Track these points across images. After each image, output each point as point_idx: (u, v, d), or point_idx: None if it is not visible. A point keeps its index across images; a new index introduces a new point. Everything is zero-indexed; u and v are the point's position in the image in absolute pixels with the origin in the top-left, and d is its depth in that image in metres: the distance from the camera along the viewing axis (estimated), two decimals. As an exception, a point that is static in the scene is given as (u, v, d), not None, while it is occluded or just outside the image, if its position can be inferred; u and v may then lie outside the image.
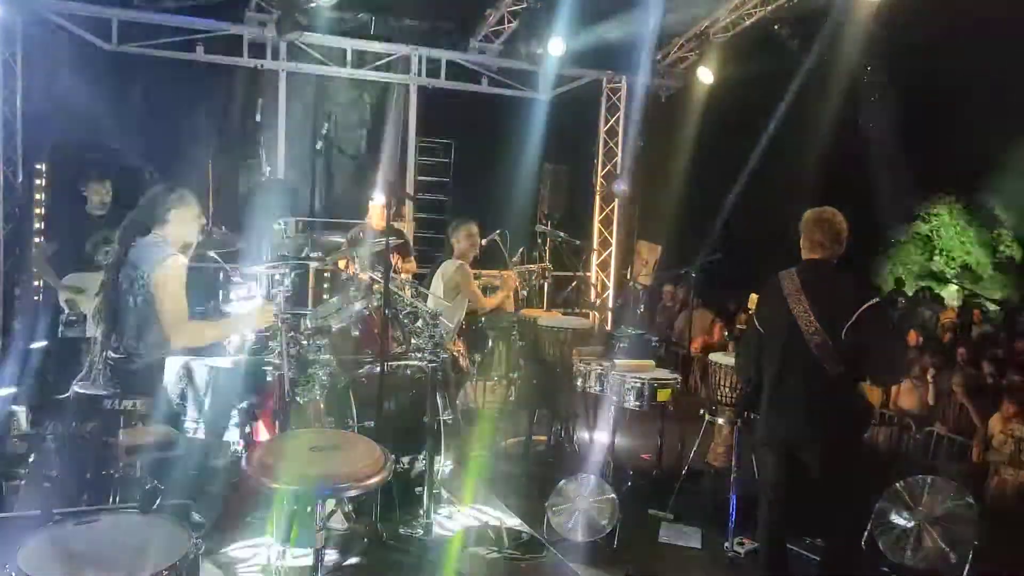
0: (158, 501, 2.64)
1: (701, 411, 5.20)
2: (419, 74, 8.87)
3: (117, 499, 2.94)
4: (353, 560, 3.81)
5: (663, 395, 5.01)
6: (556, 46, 8.11)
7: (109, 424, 3.58)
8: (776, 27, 7.79)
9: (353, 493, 2.43)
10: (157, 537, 2.40)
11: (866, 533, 4.21)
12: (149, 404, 3.61)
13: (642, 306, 8.39)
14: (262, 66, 8.10)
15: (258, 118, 8.08)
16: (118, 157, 6.95)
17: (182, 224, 3.98)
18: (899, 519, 4.29)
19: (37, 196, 7.03)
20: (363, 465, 2.49)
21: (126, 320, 3.83)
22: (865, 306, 3.45)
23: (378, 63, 8.66)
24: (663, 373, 5.19)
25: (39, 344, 6.27)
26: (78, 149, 7.36)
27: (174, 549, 2.31)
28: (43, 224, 6.97)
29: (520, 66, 8.84)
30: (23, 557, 2.21)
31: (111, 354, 3.92)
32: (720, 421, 5.09)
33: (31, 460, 4.69)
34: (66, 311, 5.61)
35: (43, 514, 3.75)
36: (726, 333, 7.08)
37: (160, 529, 2.46)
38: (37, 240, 6.93)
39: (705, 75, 8.73)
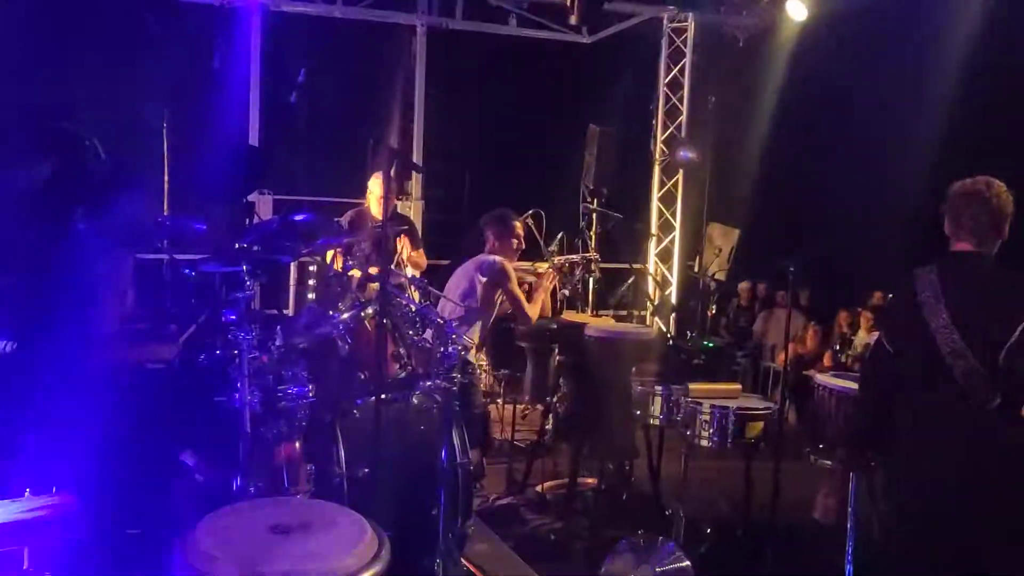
0: None
1: (805, 449, 5.09)
2: (428, 12, 8.85)
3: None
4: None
5: (754, 429, 4.88)
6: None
7: None
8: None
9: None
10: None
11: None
12: None
13: (713, 307, 8.24)
14: (228, 3, 7.94)
15: (216, 65, 7.93)
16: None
17: None
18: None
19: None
20: (344, 557, 2.29)
21: None
22: None
23: (376, -1, 8.63)
24: (753, 401, 5.09)
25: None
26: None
27: None
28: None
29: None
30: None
31: None
32: (830, 464, 4.97)
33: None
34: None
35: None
36: (836, 347, 6.87)
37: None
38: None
39: (796, 9, 8.44)
